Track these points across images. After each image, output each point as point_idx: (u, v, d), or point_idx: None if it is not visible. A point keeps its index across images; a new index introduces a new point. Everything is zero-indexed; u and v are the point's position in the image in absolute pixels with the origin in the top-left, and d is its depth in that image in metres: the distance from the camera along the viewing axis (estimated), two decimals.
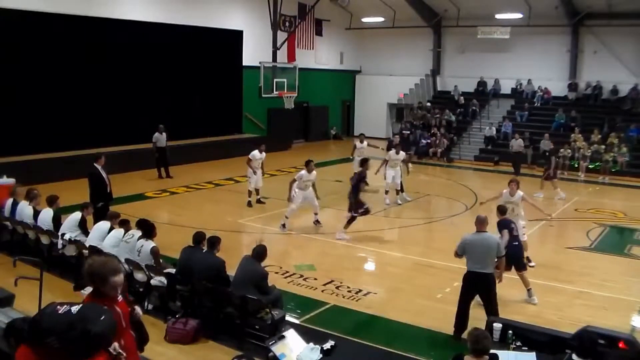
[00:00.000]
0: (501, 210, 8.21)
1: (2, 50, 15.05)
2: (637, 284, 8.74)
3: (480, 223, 6.81)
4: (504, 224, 7.93)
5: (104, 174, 10.46)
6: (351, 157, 16.59)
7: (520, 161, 19.41)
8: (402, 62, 27.06)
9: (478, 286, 6.69)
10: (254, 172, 13.39)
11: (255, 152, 13.43)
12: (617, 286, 8.58)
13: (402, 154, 14.13)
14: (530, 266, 9.01)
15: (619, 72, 21.81)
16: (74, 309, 3.38)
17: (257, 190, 13.75)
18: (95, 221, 8.87)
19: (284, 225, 11.54)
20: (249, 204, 13.51)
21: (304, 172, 11.52)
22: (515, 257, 7.76)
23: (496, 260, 6.78)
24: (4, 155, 14.76)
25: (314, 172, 11.67)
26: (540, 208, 10.37)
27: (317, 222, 12.01)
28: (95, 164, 10.44)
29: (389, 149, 15.34)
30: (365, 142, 16.20)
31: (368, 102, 28.61)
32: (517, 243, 7.94)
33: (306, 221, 12.48)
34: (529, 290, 7.83)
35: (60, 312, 3.37)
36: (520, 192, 9.27)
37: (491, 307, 6.64)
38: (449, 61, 26.77)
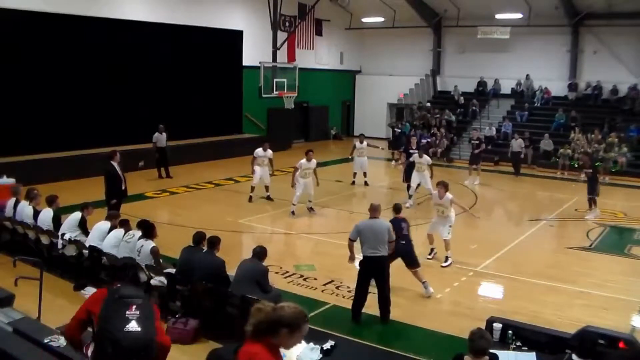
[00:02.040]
0: (395, 208, 8.45)
1: (2, 50, 15.05)
2: (637, 284, 8.73)
3: (373, 210, 7.23)
4: (393, 223, 8.03)
5: (119, 171, 10.55)
6: (350, 157, 16.66)
7: (520, 161, 19.41)
8: (402, 62, 27.03)
9: (373, 270, 7.07)
10: (253, 171, 13.93)
11: (259, 150, 13.87)
12: (617, 286, 8.58)
13: (426, 157, 13.84)
14: (442, 266, 9.42)
15: (619, 72, 21.79)
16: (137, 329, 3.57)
17: (266, 187, 14.06)
18: None
19: (292, 212, 12.51)
20: (250, 199, 13.86)
21: (303, 160, 12.44)
22: (405, 254, 8.08)
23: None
24: (4, 155, 14.75)
25: (314, 160, 12.58)
26: (466, 209, 10.64)
27: (310, 209, 12.86)
28: (111, 161, 10.52)
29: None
30: (365, 142, 16.29)
31: (368, 102, 28.59)
32: (404, 242, 8.07)
33: (306, 221, 12.50)
34: (423, 283, 8.12)
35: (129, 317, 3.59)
36: (449, 195, 9.42)
37: (384, 289, 7.05)
38: (449, 61, 26.74)
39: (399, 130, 23.35)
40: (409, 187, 14.10)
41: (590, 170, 13.40)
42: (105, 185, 10.59)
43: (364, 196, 15.55)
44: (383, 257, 7.02)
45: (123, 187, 10.67)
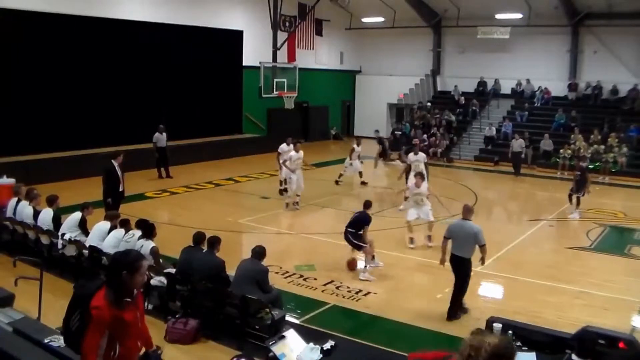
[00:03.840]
0: (365, 204, 9.37)
1: (2, 50, 15.05)
2: (637, 284, 8.73)
3: (466, 211, 7.49)
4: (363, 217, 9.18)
5: (119, 172, 10.66)
6: (349, 160, 16.47)
7: (521, 161, 19.41)
8: (402, 62, 27.03)
9: (454, 268, 7.35)
10: (288, 180, 13.45)
11: (292, 154, 13.45)
12: (617, 286, 8.58)
13: (422, 155, 14.20)
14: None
15: (619, 72, 21.78)
16: None
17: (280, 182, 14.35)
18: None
19: (294, 204, 12.99)
20: (286, 205, 13.45)
21: (292, 152, 13.10)
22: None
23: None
24: (4, 155, 14.75)
25: (301, 151, 13.23)
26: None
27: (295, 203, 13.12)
28: (112, 161, 10.69)
29: (407, 152, 15.51)
30: (360, 146, 16.39)
31: (368, 102, 28.60)
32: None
33: (306, 221, 12.50)
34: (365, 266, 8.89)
35: None
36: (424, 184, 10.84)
37: (457, 289, 7.27)
38: (449, 61, 26.75)
39: (399, 133, 23.26)
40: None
41: (579, 173, 13.41)
42: (103, 183, 10.74)
43: (364, 196, 15.52)
44: (462, 259, 7.23)
45: (121, 189, 10.74)
